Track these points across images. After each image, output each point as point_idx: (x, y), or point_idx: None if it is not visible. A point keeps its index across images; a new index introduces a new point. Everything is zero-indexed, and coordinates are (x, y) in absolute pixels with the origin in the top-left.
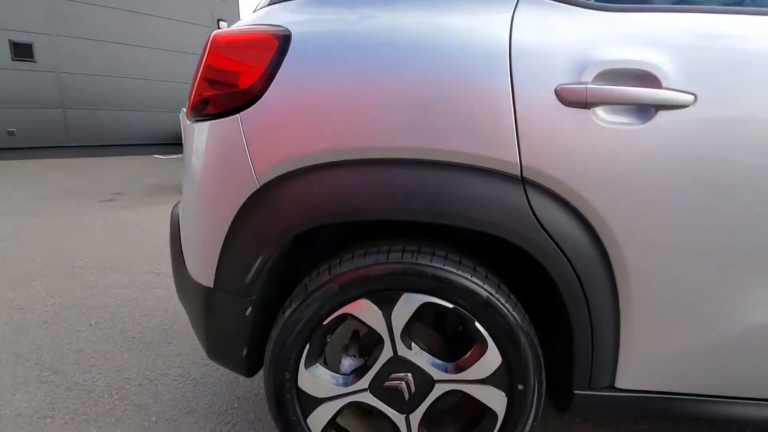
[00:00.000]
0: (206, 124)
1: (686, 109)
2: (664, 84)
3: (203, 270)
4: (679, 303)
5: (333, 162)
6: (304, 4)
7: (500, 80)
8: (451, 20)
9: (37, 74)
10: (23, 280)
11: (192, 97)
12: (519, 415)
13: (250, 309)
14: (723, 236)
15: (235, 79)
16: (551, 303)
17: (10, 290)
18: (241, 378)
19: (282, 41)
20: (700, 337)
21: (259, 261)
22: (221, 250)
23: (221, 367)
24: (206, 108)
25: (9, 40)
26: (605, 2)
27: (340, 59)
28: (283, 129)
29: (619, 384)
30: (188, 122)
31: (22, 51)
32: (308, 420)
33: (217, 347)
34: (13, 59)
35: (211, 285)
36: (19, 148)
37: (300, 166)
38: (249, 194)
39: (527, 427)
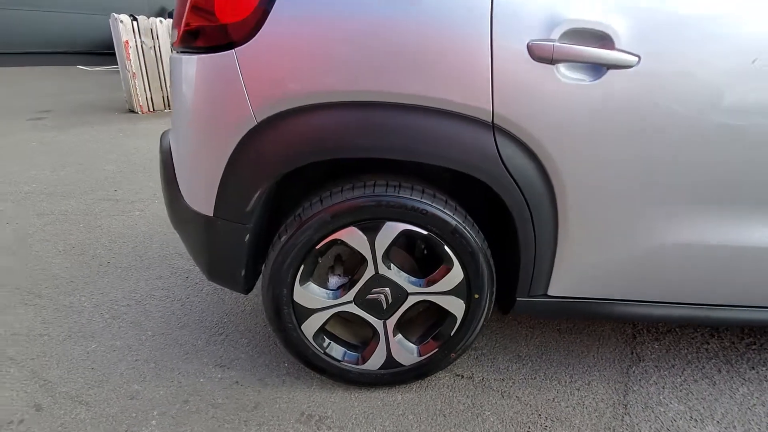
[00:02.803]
0: (198, 58)
1: (629, 70)
2: (617, 45)
3: (202, 200)
4: (603, 229)
5: (328, 102)
6: None
7: (482, 33)
8: None
9: None
10: None
11: (180, 27)
12: (473, 318)
13: (248, 236)
14: (642, 178)
15: (228, 11)
16: (503, 228)
17: None
18: (226, 297)
19: None
20: (615, 255)
21: (258, 193)
22: (220, 182)
23: (204, 288)
24: (196, 40)
25: None
26: None
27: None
28: (281, 68)
29: (550, 292)
30: (174, 53)
31: None
32: (302, 327)
33: (217, 270)
34: None
35: (211, 214)
36: None
37: (296, 105)
38: (247, 130)
39: (479, 326)
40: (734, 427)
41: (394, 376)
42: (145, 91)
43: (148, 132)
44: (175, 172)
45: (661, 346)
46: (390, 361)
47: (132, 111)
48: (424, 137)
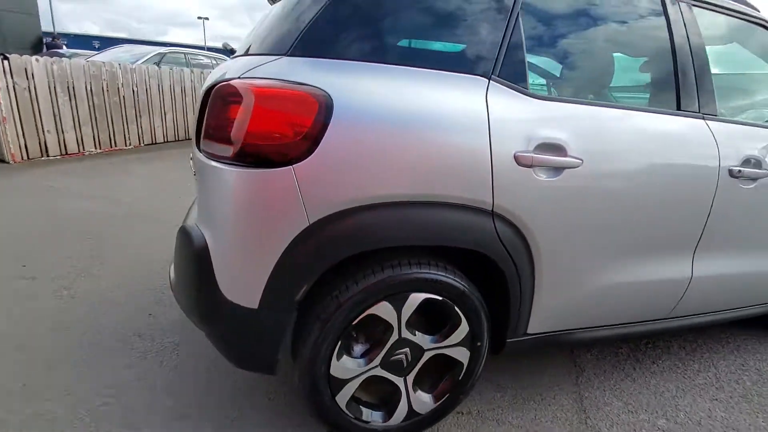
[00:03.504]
0: (254, 172)
1: (577, 169)
2: (569, 153)
3: (247, 293)
4: (565, 280)
5: (371, 204)
6: (327, 66)
7: (484, 149)
8: (445, 97)
9: None
10: None
11: (234, 146)
12: (476, 362)
13: (291, 321)
14: (596, 244)
15: (285, 133)
16: (495, 287)
17: None
18: (214, 377)
19: (326, 101)
20: (572, 297)
21: (309, 283)
22: (270, 276)
23: (186, 370)
24: (251, 157)
25: None
26: (538, 93)
27: (374, 126)
28: (334, 180)
29: (529, 331)
30: (211, 161)
31: None
32: (337, 398)
33: (252, 358)
34: None
35: (255, 306)
36: None
37: (346, 207)
38: (300, 230)
39: (480, 368)
40: (657, 411)
41: (414, 425)
42: (18, 137)
43: (32, 188)
44: (213, 266)
45: (592, 356)
46: (411, 413)
47: (1, 161)
48: (447, 226)
